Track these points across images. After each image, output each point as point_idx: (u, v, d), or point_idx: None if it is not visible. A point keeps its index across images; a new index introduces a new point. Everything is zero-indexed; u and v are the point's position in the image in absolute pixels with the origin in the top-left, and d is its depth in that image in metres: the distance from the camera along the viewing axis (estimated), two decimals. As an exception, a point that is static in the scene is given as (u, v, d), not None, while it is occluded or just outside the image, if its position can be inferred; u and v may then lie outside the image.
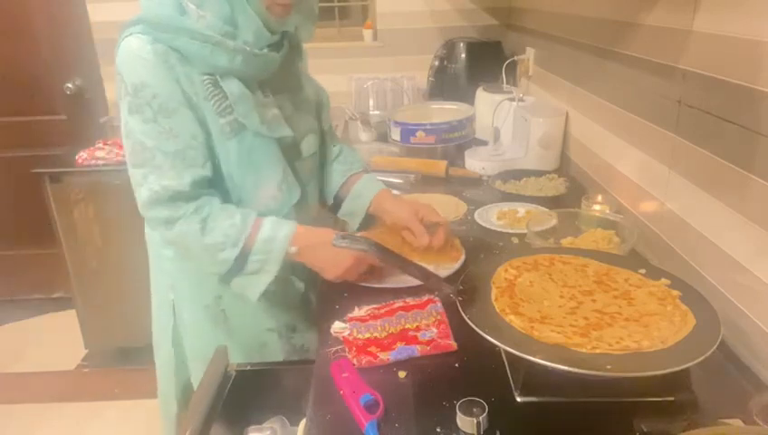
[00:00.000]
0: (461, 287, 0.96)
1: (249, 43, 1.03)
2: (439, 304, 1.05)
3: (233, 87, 1.04)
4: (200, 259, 1.09)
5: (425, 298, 1.08)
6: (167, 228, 1.05)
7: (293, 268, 1.18)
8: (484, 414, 0.76)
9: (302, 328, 1.27)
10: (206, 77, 1.03)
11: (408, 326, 1.00)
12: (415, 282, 1.11)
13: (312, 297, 1.30)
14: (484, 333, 0.82)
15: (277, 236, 1.06)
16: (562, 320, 0.87)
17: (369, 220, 1.32)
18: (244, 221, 1.05)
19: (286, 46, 1.13)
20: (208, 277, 1.15)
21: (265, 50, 1.06)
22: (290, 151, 1.16)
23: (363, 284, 1.13)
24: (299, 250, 1.07)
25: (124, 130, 1.03)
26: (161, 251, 1.21)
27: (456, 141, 1.97)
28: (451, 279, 1.09)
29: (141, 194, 1.03)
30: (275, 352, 1.24)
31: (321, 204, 1.35)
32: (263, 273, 1.07)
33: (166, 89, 1.00)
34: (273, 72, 1.11)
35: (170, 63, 1.00)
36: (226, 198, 1.10)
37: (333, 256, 1.08)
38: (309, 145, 1.23)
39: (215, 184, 1.08)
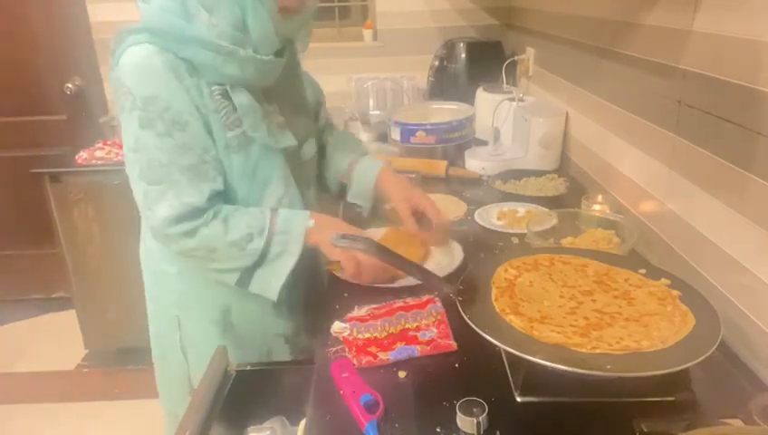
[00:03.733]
0: (461, 287, 0.96)
1: (258, 49, 1.00)
2: (439, 304, 1.05)
3: (242, 99, 1.01)
4: (225, 258, 1.05)
5: (425, 298, 1.08)
6: (188, 238, 1.01)
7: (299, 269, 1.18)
8: (484, 414, 0.76)
9: (306, 330, 1.26)
10: (215, 88, 1.00)
11: (408, 326, 1.00)
12: (415, 281, 1.11)
13: (314, 300, 1.29)
14: (484, 333, 0.82)
15: (296, 214, 1.07)
16: (562, 320, 0.87)
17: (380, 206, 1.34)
18: (261, 211, 1.05)
19: (287, 51, 1.11)
20: (216, 293, 1.14)
21: (271, 56, 1.03)
22: (290, 159, 1.15)
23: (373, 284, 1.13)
24: (316, 223, 1.07)
25: (134, 144, 0.99)
26: (164, 268, 1.17)
27: (456, 141, 1.97)
28: (451, 279, 1.09)
29: (159, 212, 0.99)
30: (282, 356, 1.23)
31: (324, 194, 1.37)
32: (286, 255, 1.05)
33: (178, 101, 0.97)
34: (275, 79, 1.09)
35: (180, 74, 0.97)
36: None
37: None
38: (307, 150, 1.22)
39: (225, 197, 1.07)
